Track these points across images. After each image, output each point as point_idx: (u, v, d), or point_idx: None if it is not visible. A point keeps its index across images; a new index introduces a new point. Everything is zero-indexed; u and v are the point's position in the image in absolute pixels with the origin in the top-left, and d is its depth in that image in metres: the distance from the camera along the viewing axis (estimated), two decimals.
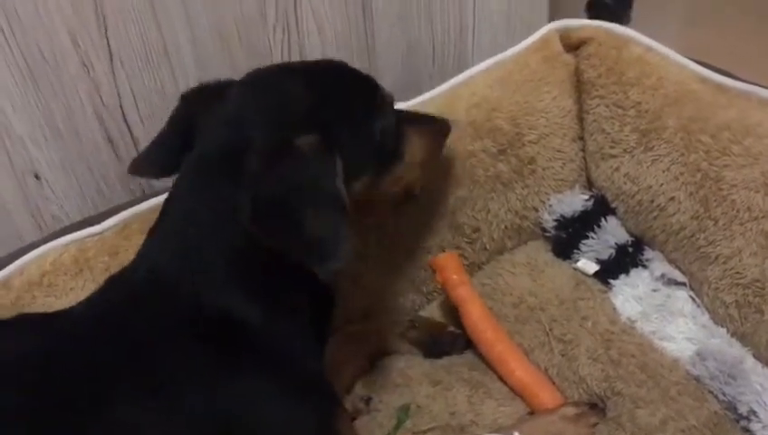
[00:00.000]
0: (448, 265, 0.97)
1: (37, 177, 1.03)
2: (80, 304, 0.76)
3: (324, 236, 0.67)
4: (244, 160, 0.68)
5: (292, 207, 0.66)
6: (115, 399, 0.65)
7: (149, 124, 1.06)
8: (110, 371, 0.67)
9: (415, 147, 0.84)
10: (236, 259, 0.71)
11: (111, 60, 1.00)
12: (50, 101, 0.99)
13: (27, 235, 1.05)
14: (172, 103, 1.06)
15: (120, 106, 1.03)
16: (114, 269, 0.92)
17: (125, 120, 1.04)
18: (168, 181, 1.10)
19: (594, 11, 1.90)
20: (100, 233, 0.95)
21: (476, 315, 0.95)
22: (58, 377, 0.66)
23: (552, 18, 1.21)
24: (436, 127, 0.91)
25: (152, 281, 0.72)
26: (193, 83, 1.05)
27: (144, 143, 1.06)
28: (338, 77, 0.80)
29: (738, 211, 0.92)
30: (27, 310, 0.90)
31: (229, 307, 0.70)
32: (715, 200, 0.94)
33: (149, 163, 0.81)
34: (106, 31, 0.97)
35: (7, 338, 0.72)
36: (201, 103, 0.78)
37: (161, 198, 0.95)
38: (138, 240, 0.93)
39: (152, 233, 0.76)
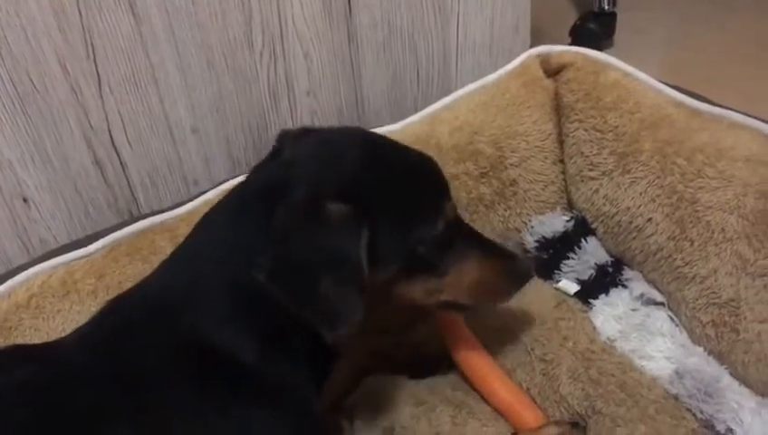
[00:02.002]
0: None
1: (25, 200, 1.04)
2: (78, 329, 0.76)
3: (337, 304, 0.67)
4: (276, 210, 0.69)
5: (310, 270, 0.67)
6: (108, 429, 0.66)
7: (137, 147, 1.08)
8: (104, 400, 0.67)
9: (465, 272, 0.80)
10: (241, 297, 0.71)
11: (100, 85, 1.02)
12: (39, 126, 1.00)
13: (15, 258, 1.06)
14: (160, 127, 1.09)
15: (109, 130, 1.05)
16: (101, 291, 0.94)
17: (113, 144, 1.06)
18: (154, 205, 1.12)
19: (577, 36, 1.94)
20: (88, 256, 0.96)
21: (459, 336, 0.96)
22: (56, 406, 0.67)
23: (534, 45, 1.24)
24: (507, 265, 0.84)
25: (155, 309, 0.72)
26: (181, 108, 1.09)
27: (132, 166, 1.09)
28: (404, 167, 0.78)
29: (713, 232, 0.94)
30: (14, 332, 0.91)
31: (226, 343, 0.71)
32: (690, 222, 0.97)
33: None
34: (94, 57, 0.99)
35: (7, 367, 0.72)
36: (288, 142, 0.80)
37: (149, 221, 0.98)
38: (125, 263, 0.95)
39: (175, 252, 0.77)
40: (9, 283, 0.93)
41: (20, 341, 0.91)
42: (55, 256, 0.96)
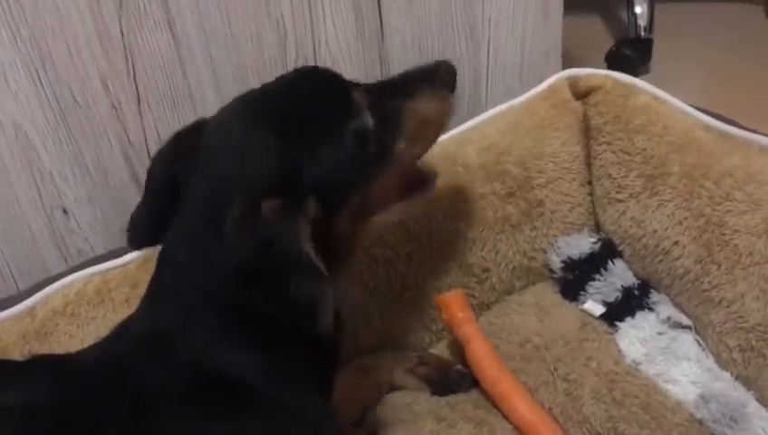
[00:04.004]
0: (454, 302, 0.99)
1: (65, 211, 1.08)
2: (88, 349, 0.77)
3: (304, 297, 0.67)
4: (224, 225, 0.69)
5: (267, 276, 0.67)
6: None
7: None
8: (110, 426, 0.67)
9: (412, 122, 0.79)
10: (230, 318, 0.71)
11: (139, 102, 1.05)
12: (80, 141, 1.04)
13: (53, 267, 1.09)
14: None
15: (146, 145, 1.08)
16: (134, 301, 0.95)
17: (150, 159, 1.10)
18: None
19: (613, 61, 1.94)
20: (123, 266, 0.99)
21: (481, 353, 0.97)
22: (63, 428, 0.67)
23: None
24: (435, 89, 0.81)
25: (152, 339, 0.72)
26: None
27: None
28: (301, 101, 0.76)
29: (741, 256, 0.94)
30: (50, 338, 0.95)
31: (228, 365, 0.71)
32: (718, 245, 0.96)
33: (147, 231, 0.80)
34: (135, 75, 1.03)
35: (20, 383, 0.72)
36: (178, 157, 0.78)
37: None
38: None
39: (151, 290, 0.76)
40: (47, 290, 0.96)
41: (55, 346, 0.94)
42: (91, 265, 0.99)
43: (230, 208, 0.69)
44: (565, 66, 1.37)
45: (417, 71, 0.82)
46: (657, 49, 1.97)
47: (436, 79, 0.81)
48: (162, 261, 0.77)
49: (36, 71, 0.98)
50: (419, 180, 0.85)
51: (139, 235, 0.81)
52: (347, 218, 0.75)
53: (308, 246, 0.67)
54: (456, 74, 0.82)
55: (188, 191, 0.75)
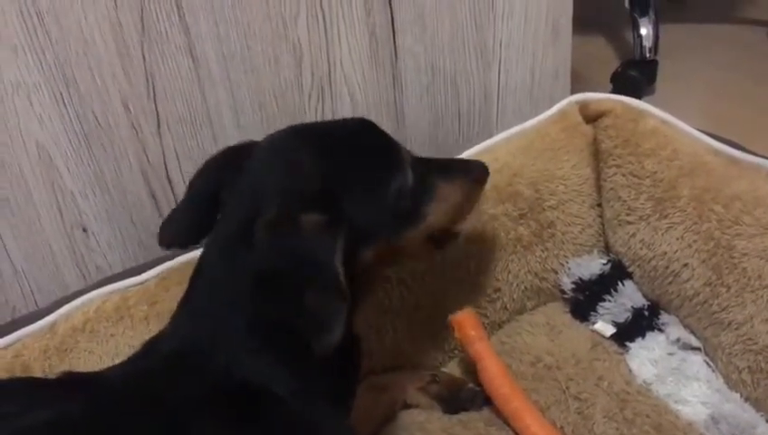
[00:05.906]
0: (466, 322, 1.01)
1: (84, 230, 1.10)
2: (116, 368, 0.78)
3: (319, 312, 0.68)
4: (255, 232, 0.71)
5: (289, 282, 0.68)
6: None
7: None
8: None
9: (442, 200, 0.84)
10: (259, 330, 0.73)
11: (159, 123, 1.08)
12: (100, 161, 1.07)
13: (72, 284, 1.11)
14: None
15: (165, 165, 1.11)
16: (152, 318, 0.98)
17: (168, 178, 1.12)
18: None
19: (619, 82, 1.97)
20: (142, 283, 1.00)
21: (493, 371, 0.98)
22: None
23: (575, 91, 1.27)
24: (468, 175, 0.90)
25: (184, 353, 0.74)
26: None
27: None
28: (354, 141, 0.81)
29: (749, 279, 0.95)
30: (70, 354, 0.96)
31: (257, 376, 0.72)
32: (727, 268, 0.98)
33: (180, 232, 0.83)
34: (155, 97, 1.05)
35: (50, 401, 0.73)
36: (225, 170, 0.81)
37: (198, 252, 1.02)
38: (176, 291, 0.99)
39: (183, 304, 0.78)
40: (67, 307, 0.98)
41: (75, 362, 0.95)
42: (110, 282, 1.01)
43: (265, 215, 0.71)
44: (572, 86, 1.39)
45: (457, 160, 0.94)
46: (662, 69, 1.99)
47: (471, 171, 0.90)
48: (197, 273, 0.79)
49: (60, 93, 1.00)
50: (444, 238, 0.89)
51: (169, 234, 0.83)
52: (371, 258, 0.78)
53: (340, 264, 0.69)
54: (488, 174, 0.91)
55: (226, 206, 0.78)
